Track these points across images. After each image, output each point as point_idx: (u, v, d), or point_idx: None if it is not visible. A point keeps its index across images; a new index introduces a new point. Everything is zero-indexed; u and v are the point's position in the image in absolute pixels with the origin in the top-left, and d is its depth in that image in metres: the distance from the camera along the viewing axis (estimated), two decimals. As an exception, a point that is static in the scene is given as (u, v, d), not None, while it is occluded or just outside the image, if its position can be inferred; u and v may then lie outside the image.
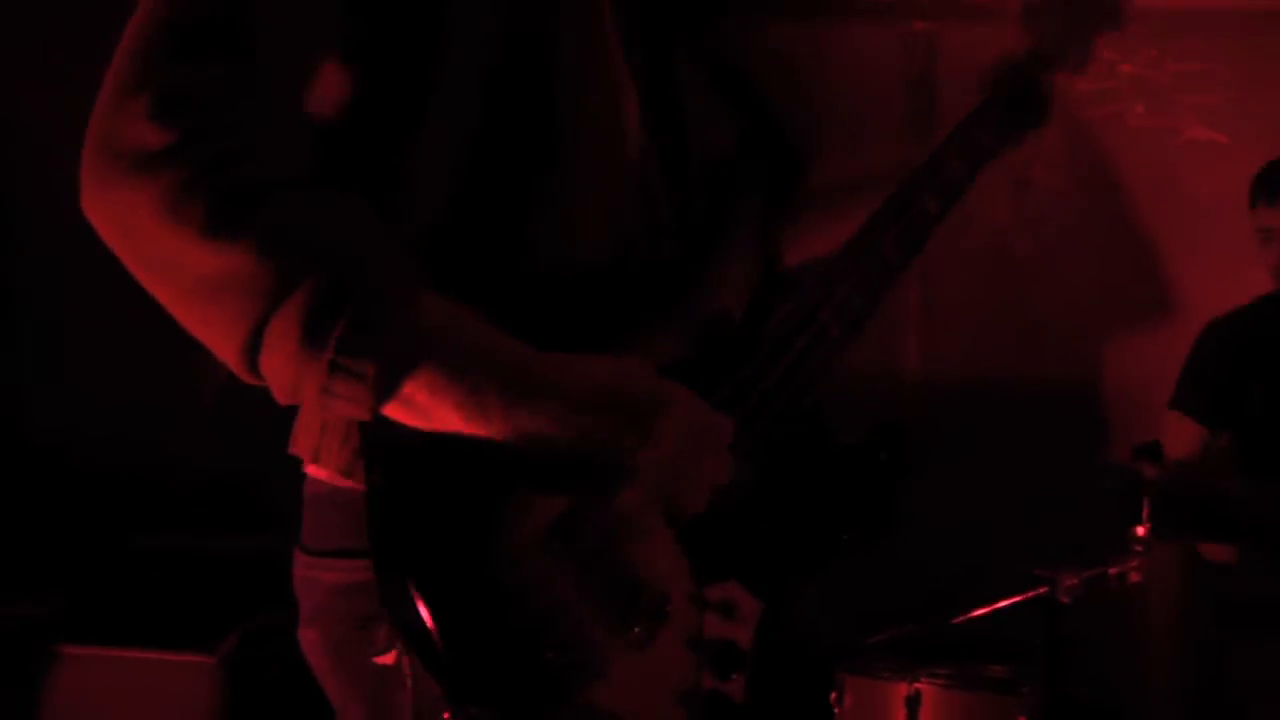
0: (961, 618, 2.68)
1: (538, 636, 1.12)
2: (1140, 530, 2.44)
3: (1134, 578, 2.49)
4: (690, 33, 1.48)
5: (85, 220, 1.06)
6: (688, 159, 1.41)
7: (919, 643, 2.79)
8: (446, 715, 1.08)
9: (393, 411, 1.08)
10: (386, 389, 1.06)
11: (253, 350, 1.05)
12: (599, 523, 1.16)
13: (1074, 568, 2.50)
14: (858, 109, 3.34)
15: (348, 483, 1.26)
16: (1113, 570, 2.49)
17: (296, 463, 1.36)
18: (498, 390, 1.09)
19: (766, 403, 1.32)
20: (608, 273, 1.30)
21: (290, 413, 1.29)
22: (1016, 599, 2.59)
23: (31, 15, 3.44)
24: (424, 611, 1.06)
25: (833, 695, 2.79)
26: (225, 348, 1.06)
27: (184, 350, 1.17)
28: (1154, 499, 2.44)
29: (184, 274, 1.04)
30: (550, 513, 1.15)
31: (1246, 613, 2.86)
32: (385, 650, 1.17)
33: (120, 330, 2.55)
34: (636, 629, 1.17)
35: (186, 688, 2.86)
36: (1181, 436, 2.84)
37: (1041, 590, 2.52)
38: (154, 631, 2.92)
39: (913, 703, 2.68)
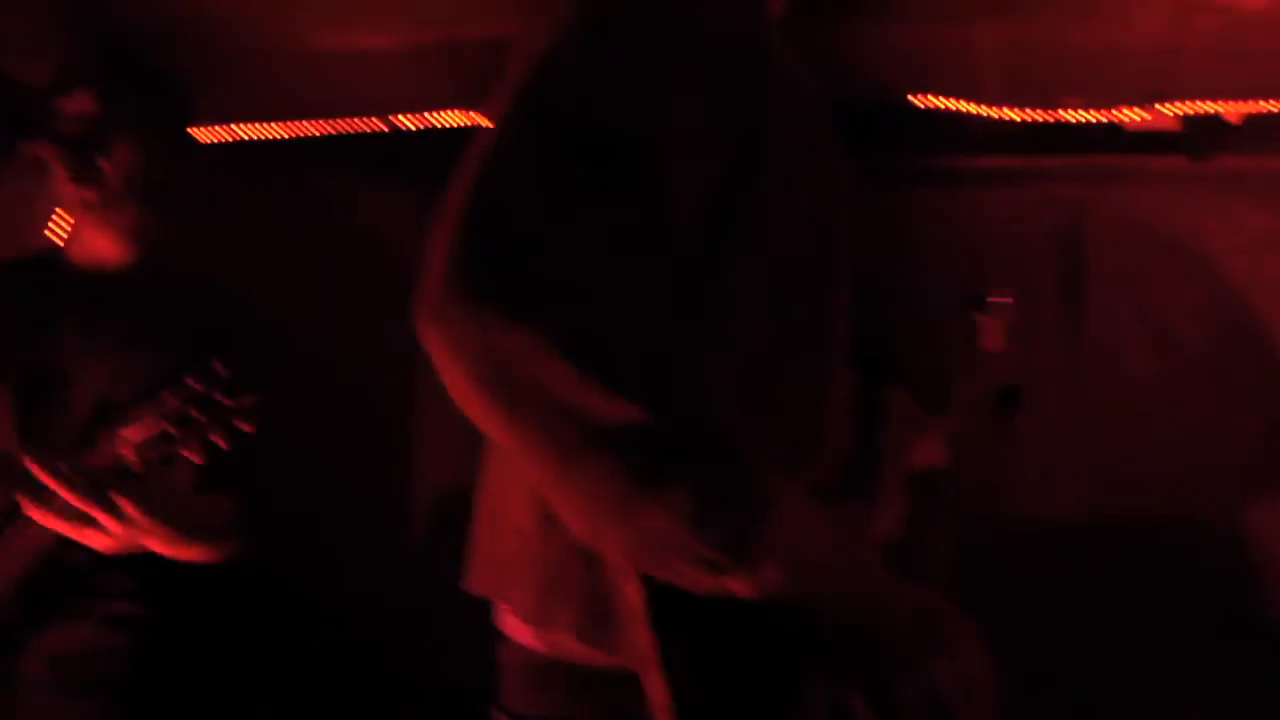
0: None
1: None
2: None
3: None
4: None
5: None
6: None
7: None
8: None
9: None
10: (748, 568, 1.08)
11: (628, 501, 1.06)
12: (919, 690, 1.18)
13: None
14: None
15: (575, 645, 1.28)
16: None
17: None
18: (822, 579, 1.12)
19: None
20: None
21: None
22: None
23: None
24: None
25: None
26: (601, 491, 1.07)
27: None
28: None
29: (576, 419, 1.05)
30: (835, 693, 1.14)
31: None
32: None
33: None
34: None
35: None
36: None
37: None
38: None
39: None
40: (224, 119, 3.66)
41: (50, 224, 3.55)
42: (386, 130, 3.64)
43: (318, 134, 3.71)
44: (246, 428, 2.10)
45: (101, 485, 2.07)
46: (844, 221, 1.45)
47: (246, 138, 3.69)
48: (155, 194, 2.55)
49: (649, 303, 1.13)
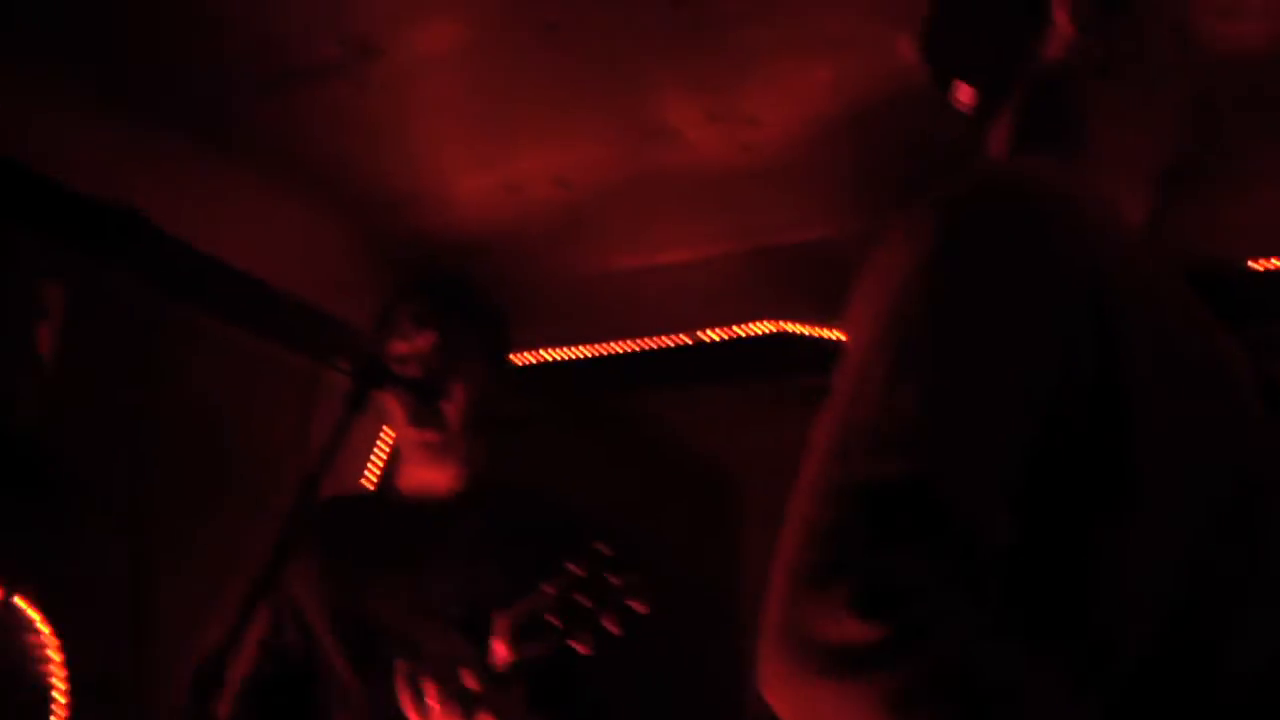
0: None
1: None
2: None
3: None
4: None
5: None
6: None
7: None
8: None
9: None
10: None
11: None
12: None
13: None
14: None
15: None
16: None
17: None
18: None
19: None
20: None
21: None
22: None
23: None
24: None
25: None
26: None
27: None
28: None
29: None
30: None
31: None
32: None
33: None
34: None
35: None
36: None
37: None
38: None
39: None
40: (530, 344, 3.74)
41: (369, 466, 3.68)
42: (691, 344, 3.61)
43: (623, 352, 3.72)
44: (640, 607, 1.95)
45: (473, 700, 1.98)
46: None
47: (552, 360, 3.74)
48: (486, 425, 2.59)
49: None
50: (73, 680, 2.78)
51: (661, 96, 2.88)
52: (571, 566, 2.01)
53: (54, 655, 2.72)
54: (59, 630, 2.73)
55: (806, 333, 3.46)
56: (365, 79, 2.78)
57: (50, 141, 2.82)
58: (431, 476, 2.57)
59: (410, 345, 2.52)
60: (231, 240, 3.22)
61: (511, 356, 3.09)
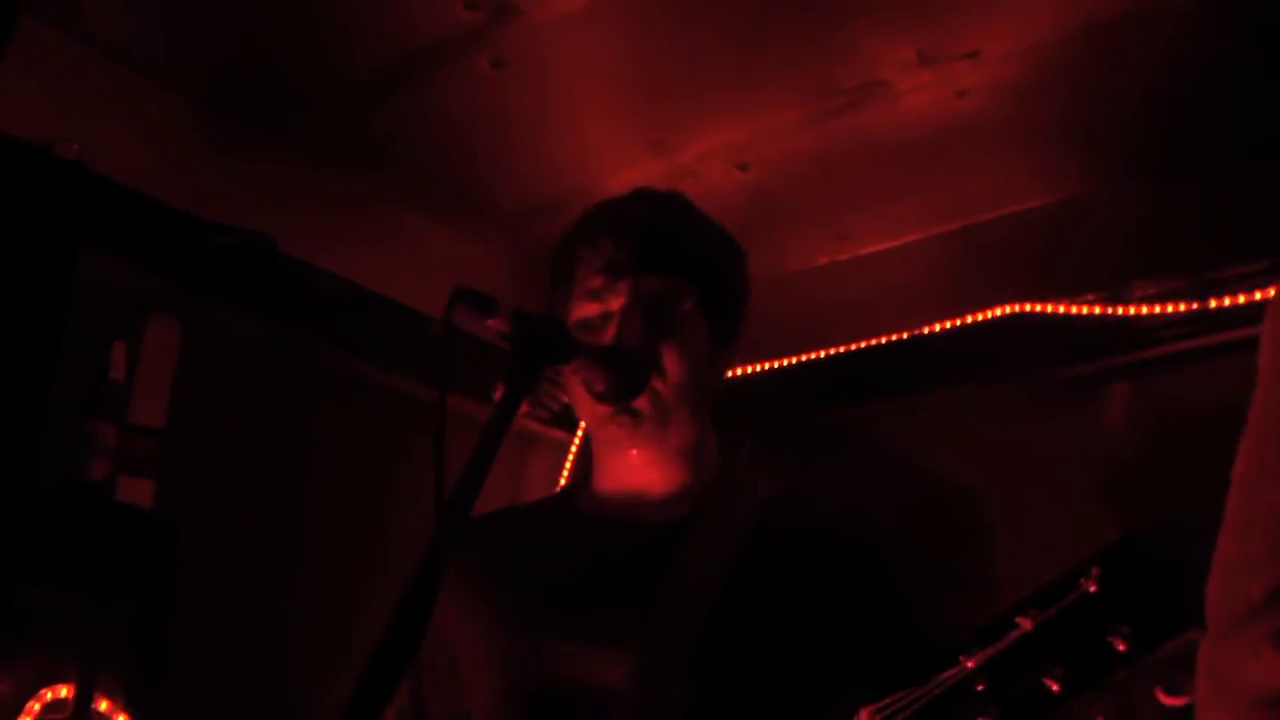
0: None
1: None
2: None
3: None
4: None
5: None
6: None
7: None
8: None
9: None
10: None
11: None
12: None
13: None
14: None
15: None
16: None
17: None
18: None
19: None
20: None
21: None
22: None
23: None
24: None
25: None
26: None
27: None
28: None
29: None
30: None
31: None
32: None
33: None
34: None
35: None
36: None
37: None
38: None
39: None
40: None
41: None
42: (912, 340, 3.09)
43: (833, 355, 3.23)
44: (1121, 645, 1.20)
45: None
46: None
47: (750, 373, 3.28)
48: (712, 404, 1.82)
49: None
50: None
51: (861, 39, 2.40)
52: (1024, 620, 1.22)
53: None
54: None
55: (1050, 311, 2.89)
56: (501, 49, 2.38)
57: (161, 164, 2.53)
58: (644, 478, 1.80)
59: (601, 305, 1.73)
60: (366, 264, 2.87)
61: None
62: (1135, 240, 2.82)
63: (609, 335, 1.69)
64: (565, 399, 1.87)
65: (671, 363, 1.71)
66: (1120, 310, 2.80)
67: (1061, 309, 2.87)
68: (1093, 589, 1.19)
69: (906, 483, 3.13)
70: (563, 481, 3.47)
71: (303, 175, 2.83)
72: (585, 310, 1.73)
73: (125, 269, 2.49)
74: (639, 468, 1.79)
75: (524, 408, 1.47)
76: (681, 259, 1.75)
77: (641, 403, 1.70)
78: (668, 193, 1.89)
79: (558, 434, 3.42)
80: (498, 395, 1.39)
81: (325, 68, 2.53)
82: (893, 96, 2.57)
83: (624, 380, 1.63)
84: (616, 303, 1.71)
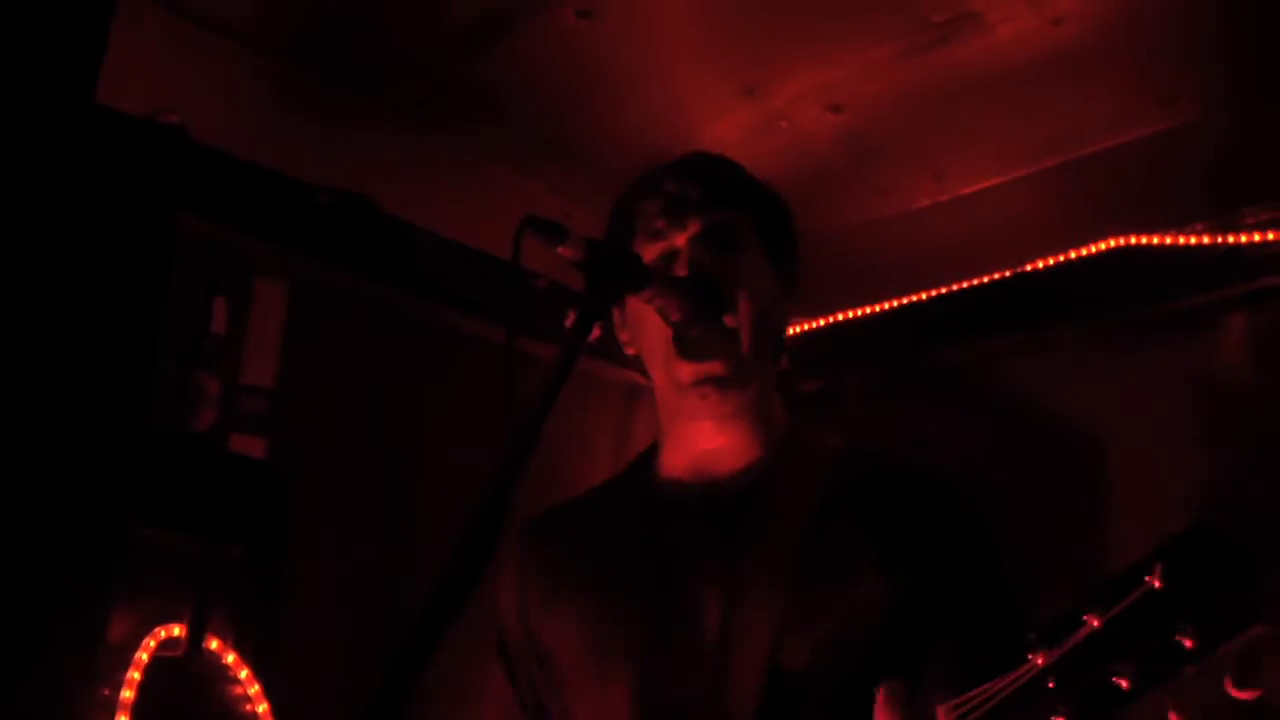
0: None
1: None
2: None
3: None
4: None
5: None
6: None
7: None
8: None
9: None
10: None
11: None
12: None
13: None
14: None
15: None
16: None
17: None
18: None
19: None
20: None
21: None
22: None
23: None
24: None
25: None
26: None
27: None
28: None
29: None
30: None
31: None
32: None
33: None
34: None
35: None
36: None
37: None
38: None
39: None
40: (825, 305, 3.25)
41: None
42: (1017, 277, 3.02)
43: (939, 296, 3.17)
44: (1189, 641, 1.16)
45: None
46: None
47: (854, 317, 3.24)
48: (772, 352, 1.73)
49: None
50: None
51: (947, -31, 2.35)
52: (1091, 618, 1.22)
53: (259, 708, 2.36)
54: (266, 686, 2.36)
55: (1158, 243, 2.81)
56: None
57: (261, 130, 2.57)
58: (715, 443, 1.71)
59: (665, 243, 1.65)
60: (464, 220, 2.87)
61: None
62: (1246, 165, 2.72)
63: (680, 266, 1.63)
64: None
65: (743, 300, 1.64)
66: (1233, 239, 2.71)
67: (1170, 240, 2.79)
68: (1157, 585, 1.16)
69: (1017, 427, 3.07)
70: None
71: (399, 135, 2.85)
72: (650, 252, 1.66)
73: (229, 232, 2.54)
74: (710, 435, 1.72)
75: (595, 333, 1.43)
76: (741, 194, 1.72)
77: (717, 367, 1.62)
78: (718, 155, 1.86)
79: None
80: (568, 322, 1.38)
81: (414, 28, 2.55)
82: (985, 27, 2.50)
83: (701, 302, 1.58)
84: (681, 239, 1.65)
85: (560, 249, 1.43)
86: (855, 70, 2.66)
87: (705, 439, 1.71)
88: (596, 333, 1.40)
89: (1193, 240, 2.76)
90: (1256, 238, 2.68)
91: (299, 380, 2.62)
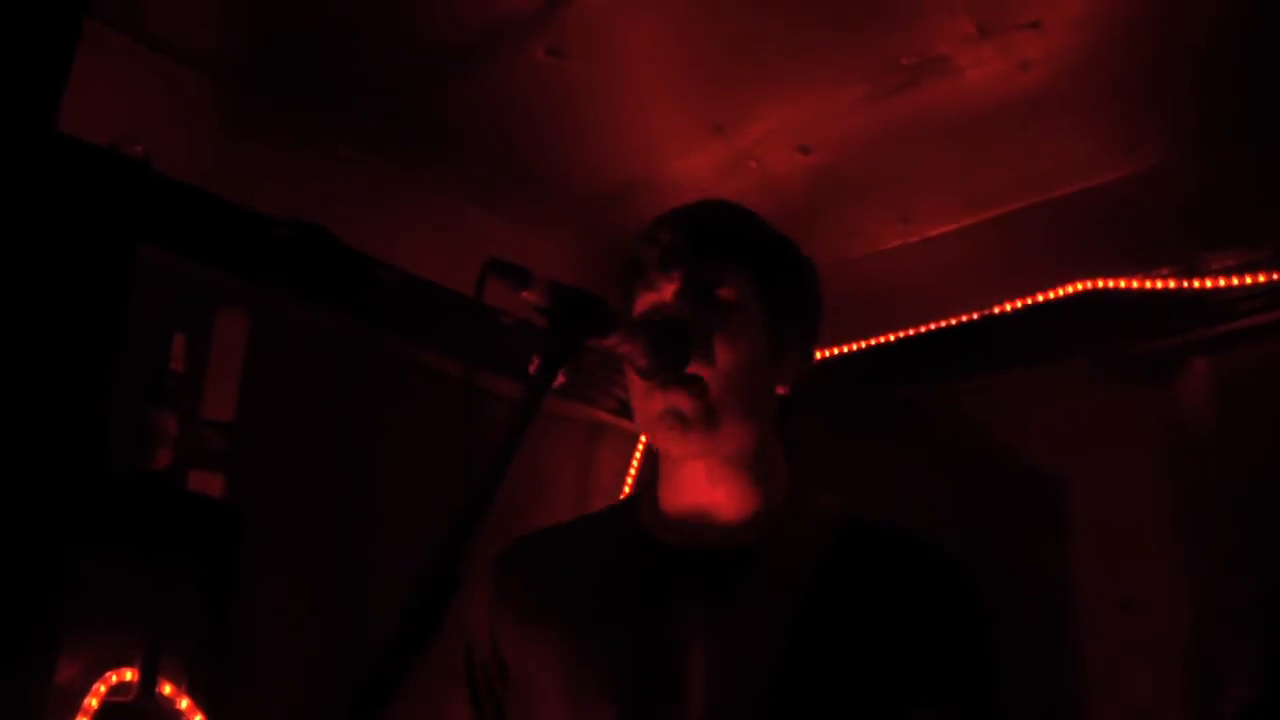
0: None
1: None
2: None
3: None
4: None
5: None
6: None
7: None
8: None
9: None
10: None
11: None
12: None
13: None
14: None
15: None
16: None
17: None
18: None
19: None
20: None
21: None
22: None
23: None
24: None
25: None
26: None
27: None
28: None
29: None
30: None
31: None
32: None
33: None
34: None
35: None
36: None
37: None
38: None
39: None
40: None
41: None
42: (984, 319, 3.03)
43: (905, 338, 3.17)
44: None
45: None
46: None
47: (821, 358, 3.23)
48: (779, 416, 1.70)
49: None
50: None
51: (918, 14, 2.36)
52: None
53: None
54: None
55: (1123, 286, 2.82)
56: (556, 37, 2.36)
57: (223, 160, 2.54)
58: (710, 497, 1.68)
59: (657, 295, 1.65)
60: (428, 254, 2.85)
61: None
62: (1210, 211, 2.74)
63: (658, 315, 1.58)
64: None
65: (721, 350, 1.59)
66: (1197, 283, 2.72)
67: (1135, 284, 2.80)
68: None
69: (982, 466, 3.07)
70: (631, 473, 3.46)
71: (364, 167, 2.84)
72: (644, 304, 1.66)
73: (190, 265, 2.51)
74: (703, 485, 1.67)
75: (561, 379, 1.41)
76: (735, 247, 1.67)
77: (684, 402, 1.59)
78: (723, 202, 1.84)
79: (627, 424, 3.40)
80: (532, 368, 1.36)
81: (380, 60, 2.53)
82: (954, 71, 2.51)
83: (667, 351, 1.54)
84: (669, 289, 1.63)
85: (524, 293, 1.40)
86: (824, 111, 2.67)
87: (699, 490, 1.67)
88: (562, 379, 1.38)
89: (1158, 284, 2.77)
90: (1221, 282, 2.70)
91: (260, 414, 2.59)
